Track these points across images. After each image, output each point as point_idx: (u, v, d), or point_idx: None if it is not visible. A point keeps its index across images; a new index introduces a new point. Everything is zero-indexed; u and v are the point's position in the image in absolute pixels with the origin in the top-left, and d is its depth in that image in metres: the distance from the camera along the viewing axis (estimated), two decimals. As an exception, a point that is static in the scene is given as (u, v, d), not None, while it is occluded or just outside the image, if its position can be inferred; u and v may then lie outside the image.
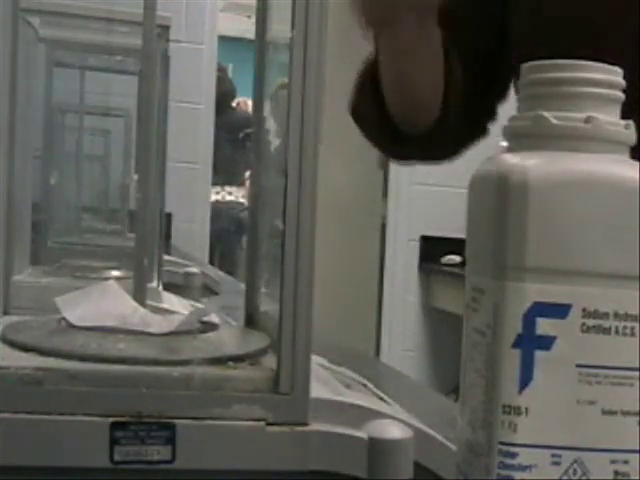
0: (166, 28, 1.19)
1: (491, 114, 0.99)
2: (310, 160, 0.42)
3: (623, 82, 0.40)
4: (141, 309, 0.52)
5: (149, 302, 0.55)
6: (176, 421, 0.41)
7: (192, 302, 0.62)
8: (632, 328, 0.37)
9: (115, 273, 1.05)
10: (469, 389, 0.40)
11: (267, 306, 0.54)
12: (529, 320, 0.37)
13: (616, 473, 0.37)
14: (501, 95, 0.97)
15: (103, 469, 0.40)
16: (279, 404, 0.42)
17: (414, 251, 3.06)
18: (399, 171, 3.11)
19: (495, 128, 0.88)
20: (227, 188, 4.28)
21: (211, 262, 3.19)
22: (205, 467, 0.41)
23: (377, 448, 0.42)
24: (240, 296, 0.61)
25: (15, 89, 0.51)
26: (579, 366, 0.37)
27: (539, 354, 0.37)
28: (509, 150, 0.41)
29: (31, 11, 1.07)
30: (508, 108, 0.76)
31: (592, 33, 0.41)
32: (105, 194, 1.88)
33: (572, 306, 0.37)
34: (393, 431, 0.43)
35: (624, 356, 0.37)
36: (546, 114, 0.39)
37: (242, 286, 0.61)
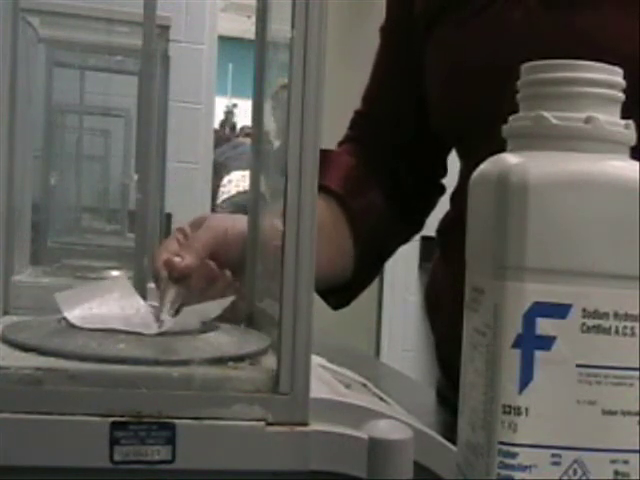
0: (166, 28, 1.19)
1: (442, 171, 1.02)
2: (310, 160, 0.42)
3: (623, 82, 0.40)
4: (144, 309, 0.52)
5: (149, 302, 0.55)
6: (176, 421, 0.41)
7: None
8: (632, 328, 0.37)
9: (115, 273, 1.05)
10: (469, 389, 0.40)
11: (267, 306, 0.54)
12: (529, 320, 0.37)
13: (616, 473, 0.37)
14: (443, 154, 0.99)
15: (103, 469, 0.40)
16: (279, 404, 0.42)
17: (414, 251, 3.06)
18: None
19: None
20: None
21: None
22: (205, 467, 0.41)
23: (377, 448, 0.42)
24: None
25: (15, 89, 0.51)
26: (579, 366, 0.37)
27: (539, 354, 0.37)
28: (509, 150, 0.41)
29: (31, 11, 1.08)
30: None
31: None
32: (105, 194, 1.87)
33: (572, 306, 0.37)
34: (393, 431, 0.43)
35: (624, 356, 0.37)
36: (546, 114, 0.39)
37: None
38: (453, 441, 0.44)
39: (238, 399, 0.42)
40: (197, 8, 2.90)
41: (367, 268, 0.97)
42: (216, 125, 5.38)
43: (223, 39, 3.45)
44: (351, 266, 0.93)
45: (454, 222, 0.93)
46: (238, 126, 5.81)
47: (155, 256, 0.69)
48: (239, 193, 3.98)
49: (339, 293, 0.96)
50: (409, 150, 0.99)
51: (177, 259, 0.66)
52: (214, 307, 0.53)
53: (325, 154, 0.92)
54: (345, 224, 0.92)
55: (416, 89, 0.94)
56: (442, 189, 1.03)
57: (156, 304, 0.55)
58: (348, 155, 0.97)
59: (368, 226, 0.93)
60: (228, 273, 0.70)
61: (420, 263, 3.15)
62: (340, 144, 1.02)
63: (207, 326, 0.51)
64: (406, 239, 1.04)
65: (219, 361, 0.44)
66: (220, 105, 5.41)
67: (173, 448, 0.40)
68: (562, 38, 0.78)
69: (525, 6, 0.81)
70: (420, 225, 1.04)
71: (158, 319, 0.51)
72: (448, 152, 0.99)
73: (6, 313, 0.53)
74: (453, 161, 0.99)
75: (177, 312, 0.57)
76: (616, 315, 0.37)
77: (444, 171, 1.02)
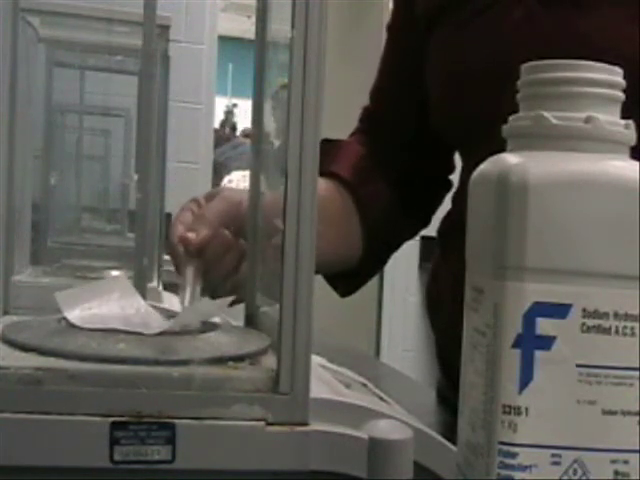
0: (166, 28, 1.19)
1: (449, 167, 1.02)
2: (310, 160, 0.42)
3: (623, 82, 0.40)
4: (144, 308, 0.52)
5: (149, 302, 0.55)
6: (176, 421, 0.41)
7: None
8: (632, 328, 0.37)
9: (115, 273, 1.05)
10: (469, 389, 0.40)
11: (267, 306, 0.54)
12: (529, 320, 0.37)
13: (616, 473, 0.37)
14: (447, 152, 1.00)
15: (103, 469, 0.40)
16: (279, 404, 0.42)
17: (414, 251, 3.06)
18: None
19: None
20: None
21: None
22: (205, 467, 0.41)
23: (377, 448, 0.42)
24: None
25: (15, 89, 0.51)
26: (579, 366, 0.37)
27: (539, 354, 0.37)
28: (509, 150, 0.41)
29: (31, 11, 1.07)
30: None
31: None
32: (105, 194, 1.87)
33: (572, 306, 0.37)
34: (393, 431, 0.43)
35: (624, 356, 0.37)
36: (546, 114, 0.39)
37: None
38: (453, 441, 0.44)
39: (238, 399, 0.42)
40: (197, 8, 2.90)
41: (374, 255, 0.98)
42: (216, 125, 5.38)
43: (223, 39, 3.46)
44: (359, 252, 0.94)
45: (454, 222, 0.94)
46: (239, 126, 5.81)
47: (170, 230, 0.70)
48: (239, 193, 3.98)
49: (347, 280, 0.97)
50: (413, 147, 0.99)
51: (191, 234, 0.67)
52: (214, 307, 0.53)
53: (335, 143, 0.93)
54: (354, 210, 0.93)
55: (418, 89, 0.94)
56: (449, 185, 1.03)
57: (156, 304, 0.55)
58: (358, 144, 0.98)
59: (376, 213, 0.94)
60: (242, 242, 0.71)
61: (420, 263, 3.15)
62: (351, 136, 1.03)
63: (207, 326, 0.51)
64: (412, 233, 1.05)
65: (219, 361, 0.44)
66: (220, 105, 5.41)
67: (173, 448, 0.40)
68: (562, 40, 0.78)
69: (525, 8, 0.81)
70: (427, 219, 1.04)
71: (182, 302, 0.51)
72: (453, 150, 0.99)
73: (6, 313, 0.53)
74: (457, 160, 0.99)
75: (203, 290, 0.57)
76: (616, 315, 0.37)
77: (451, 167, 1.03)
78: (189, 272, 0.63)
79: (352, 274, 0.96)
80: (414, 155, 0.99)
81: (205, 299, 0.68)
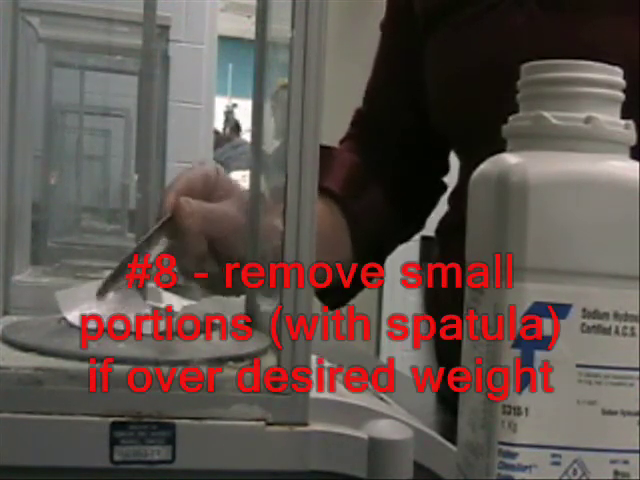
0: (166, 28, 1.19)
1: (444, 168, 1.02)
2: (310, 160, 0.42)
3: (623, 82, 0.40)
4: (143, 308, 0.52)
5: (149, 302, 0.55)
6: (176, 421, 0.41)
7: (192, 302, 0.63)
8: (632, 328, 0.37)
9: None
10: (469, 389, 0.40)
11: (267, 306, 0.54)
12: (529, 320, 0.37)
13: (616, 473, 0.37)
14: (444, 152, 0.99)
15: (103, 469, 0.40)
16: (279, 404, 0.42)
17: (414, 251, 3.06)
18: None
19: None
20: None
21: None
22: (205, 467, 0.41)
23: (377, 448, 0.42)
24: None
25: (15, 89, 0.51)
26: (579, 366, 0.37)
27: (539, 354, 0.37)
28: (509, 150, 0.41)
29: (31, 11, 1.08)
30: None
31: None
32: (105, 194, 1.88)
33: (572, 306, 0.37)
34: (393, 431, 0.43)
35: (624, 356, 0.37)
36: (546, 114, 0.39)
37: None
38: (453, 441, 0.44)
39: (238, 399, 0.42)
40: (197, 8, 2.90)
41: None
42: (219, 126, 5.36)
43: (223, 39, 3.45)
44: (348, 267, 0.93)
45: (453, 222, 0.93)
46: (242, 126, 5.79)
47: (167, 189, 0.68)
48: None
49: (337, 293, 0.96)
50: (409, 148, 0.99)
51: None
52: (213, 307, 0.53)
53: (328, 152, 0.92)
54: (345, 227, 0.92)
55: (414, 89, 0.94)
56: (443, 187, 1.03)
57: (156, 304, 0.55)
58: (350, 152, 0.97)
59: (368, 228, 0.93)
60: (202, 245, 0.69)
61: (420, 263, 3.15)
62: (342, 141, 1.02)
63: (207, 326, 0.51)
64: (406, 237, 1.05)
65: (219, 361, 0.44)
66: (220, 105, 5.41)
67: (173, 448, 0.40)
68: (563, 44, 0.78)
69: (527, 12, 0.81)
70: (421, 223, 1.04)
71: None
72: (449, 150, 0.99)
73: (6, 313, 0.53)
74: (452, 161, 0.99)
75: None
76: (616, 315, 0.37)
77: (446, 168, 1.02)
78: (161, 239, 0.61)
79: (342, 288, 0.95)
80: (408, 157, 0.99)
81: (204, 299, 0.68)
